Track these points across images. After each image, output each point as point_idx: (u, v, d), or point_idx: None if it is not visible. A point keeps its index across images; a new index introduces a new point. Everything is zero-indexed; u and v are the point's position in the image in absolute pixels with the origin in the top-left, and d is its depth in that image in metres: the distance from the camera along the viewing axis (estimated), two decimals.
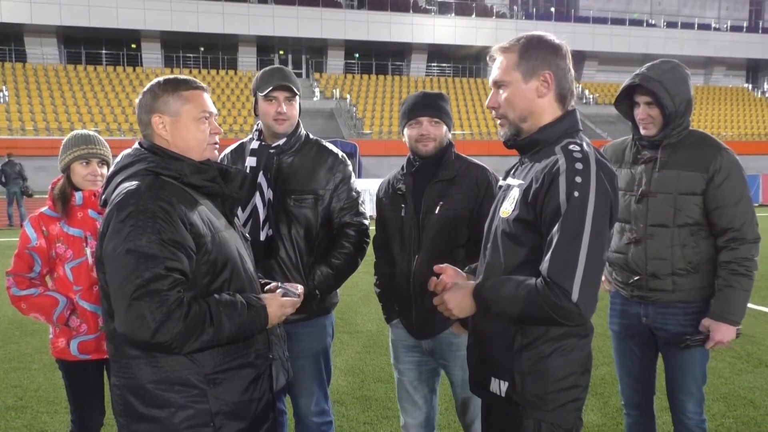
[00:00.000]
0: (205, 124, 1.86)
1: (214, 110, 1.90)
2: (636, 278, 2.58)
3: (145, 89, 1.87)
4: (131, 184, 1.72)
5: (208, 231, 1.76)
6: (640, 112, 2.54)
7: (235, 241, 1.90)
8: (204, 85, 1.91)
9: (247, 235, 2.10)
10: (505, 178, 1.93)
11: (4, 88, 28.05)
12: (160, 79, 1.86)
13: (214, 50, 35.03)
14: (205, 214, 1.79)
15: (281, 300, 1.88)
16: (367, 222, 2.76)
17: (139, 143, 1.87)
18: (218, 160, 1.97)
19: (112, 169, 1.87)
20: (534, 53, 1.75)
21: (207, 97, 1.89)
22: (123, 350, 1.74)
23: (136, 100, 1.88)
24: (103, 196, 1.87)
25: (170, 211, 1.67)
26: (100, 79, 30.59)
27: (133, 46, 33.75)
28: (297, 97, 2.64)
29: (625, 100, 2.63)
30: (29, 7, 29.23)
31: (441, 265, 1.90)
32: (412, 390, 2.69)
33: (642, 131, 2.57)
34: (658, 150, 2.54)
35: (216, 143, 1.91)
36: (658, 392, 2.80)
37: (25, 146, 23.84)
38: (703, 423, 2.63)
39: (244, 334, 1.78)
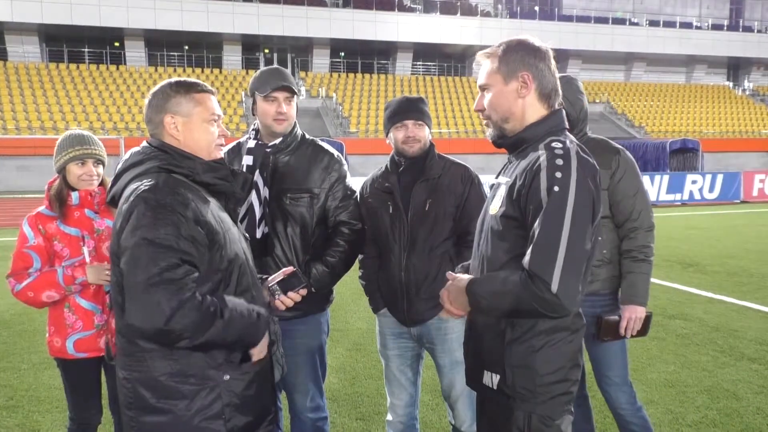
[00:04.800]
0: (214, 125, 1.93)
1: (221, 113, 1.96)
2: None
3: (155, 90, 1.91)
4: (147, 182, 1.76)
5: (219, 228, 1.81)
6: None
7: (240, 239, 1.96)
8: (213, 89, 1.97)
9: (246, 234, 2.14)
10: (496, 177, 1.99)
11: None
12: (172, 80, 1.92)
13: (198, 49, 34.76)
14: (215, 212, 1.84)
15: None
16: (362, 220, 2.80)
17: (148, 142, 1.92)
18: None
19: (120, 165, 1.90)
20: (512, 56, 1.82)
21: (215, 100, 1.96)
22: (137, 343, 1.76)
23: (146, 101, 1.93)
24: (111, 193, 1.90)
25: (187, 206, 1.72)
26: (83, 77, 30.25)
27: (117, 44, 33.39)
28: (295, 97, 2.70)
29: None
30: (10, 4, 28.81)
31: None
32: (398, 374, 2.87)
33: None
34: None
35: (222, 144, 1.97)
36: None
37: (7, 145, 23.52)
38: (639, 411, 2.81)
39: (245, 340, 1.82)
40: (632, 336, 2.73)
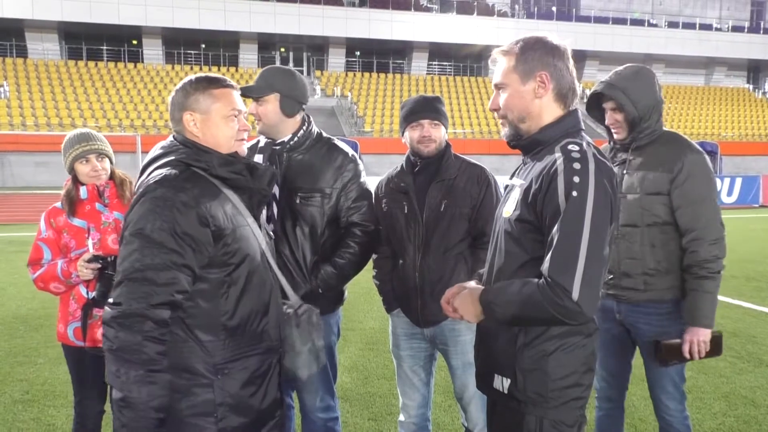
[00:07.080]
0: (234, 121, 1.92)
1: (243, 108, 1.95)
2: (610, 277, 2.65)
3: (177, 87, 1.92)
4: (161, 172, 1.78)
5: (230, 224, 1.80)
6: (608, 118, 2.65)
7: (258, 237, 1.94)
8: (234, 83, 1.95)
9: (271, 232, 2.12)
10: (510, 179, 1.96)
11: (5, 83, 28.01)
12: (192, 77, 1.93)
13: (215, 47, 34.97)
14: (229, 208, 1.84)
15: None
16: (375, 222, 2.78)
17: (174, 136, 1.93)
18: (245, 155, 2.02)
19: (146, 159, 1.93)
20: (530, 55, 1.77)
21: (236, 95, 1.94)
22: None
23: (169, 98, 1.95)
24: (138, 185, 1.91)
25: (189, 203, 1.72)
26: (101, 75, 30.56)
27: (134, 42, 33.70)
28: (273, 97, 2.58)
29: (596, 106, 2.74)
30: (30, 2, 29.19)
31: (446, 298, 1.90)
32: (411, 374, 2.85)
33: (614, 135, 2.67)
34: (629, 152, 2.64)
35: (243, 139, 1.96)
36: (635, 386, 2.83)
37: (26, 141, 23.85)
38: (686, 419, 2.71)
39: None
40: (701, 357, 2.50)
